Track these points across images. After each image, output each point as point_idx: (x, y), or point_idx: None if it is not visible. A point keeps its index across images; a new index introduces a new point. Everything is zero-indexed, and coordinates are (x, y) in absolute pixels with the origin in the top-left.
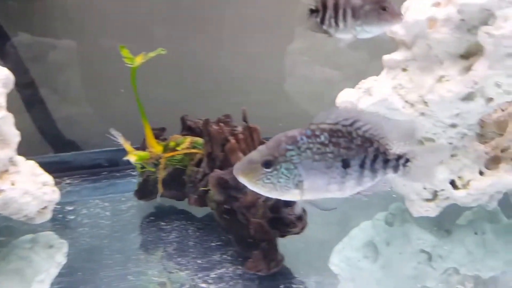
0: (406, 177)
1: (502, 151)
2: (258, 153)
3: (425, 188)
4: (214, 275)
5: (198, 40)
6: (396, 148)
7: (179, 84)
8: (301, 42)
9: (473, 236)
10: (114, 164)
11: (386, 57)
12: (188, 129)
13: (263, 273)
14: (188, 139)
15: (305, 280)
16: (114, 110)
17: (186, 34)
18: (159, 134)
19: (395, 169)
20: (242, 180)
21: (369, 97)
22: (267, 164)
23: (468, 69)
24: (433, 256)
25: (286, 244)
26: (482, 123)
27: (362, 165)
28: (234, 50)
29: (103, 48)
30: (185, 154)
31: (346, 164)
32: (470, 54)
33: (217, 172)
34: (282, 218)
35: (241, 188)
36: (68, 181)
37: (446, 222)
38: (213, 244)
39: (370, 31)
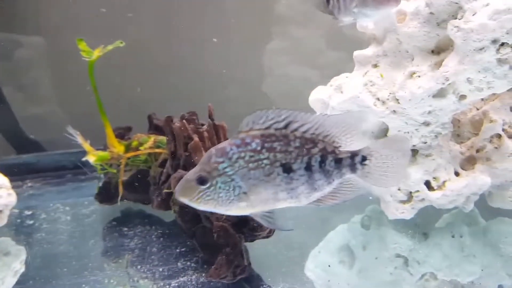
0: (369, 178)
1: (477, 151)
2: (192, 171)
3: (399, 189)
4: (176, 284)
5: (174, 36)
6: (346, 144)
7: (153, 82)
8: (280, 42)
9: (450, 239)
10: (80, 167)
11: (356, 53)
12: (155, 128)
13: (227, 280)
14: (152, 138)
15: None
16: (81, 109)
17: (159, 29)
18: (124, 133)
19: (352, 168)
20: (184, 201)
21: (340, 95)
22: (202, 181)
23: (439, 64)
24: (410, 260)
25: (257, 249)
26: (457, 123)
27: (308, 168)
28: (211, 49)
29: (71, 45)
30: (149, 154)
31: (287, 169)
32: (441, 49)
33: (180, 173)
34: (248, 221)
35: None
36: (30, 184)
37: (423, 224)
38: (177, 250)
39: (367, 14)
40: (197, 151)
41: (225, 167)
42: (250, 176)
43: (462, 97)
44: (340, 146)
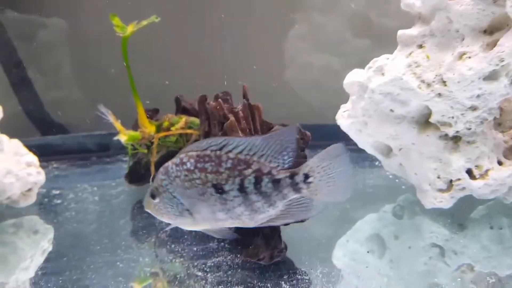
0: (319, 195)
1: None
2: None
3: (439, 178)
4: (211, 264)
5: (196, 24)
6: (285, 163)
7: (176, 69)
8: (302, 28)
9: (489, 230)
10: (104, 149)
11: (400, 32)
12: (183, 111)
13: (264, 262)
14: (184, 119)
15: (310, 271)
16: (105, 92)
17: (185, 16)
18: (152, 116)
19: (296, 189)
20: (150, 212)
21: (381, 77)
22: (153, 195)
23: (492, 45)
24: (446, 250)
25: (289, 233)
26: (500, 111)
27: (242, 189)
28: (233, 36)
29: (95, 28)
30: (180, 135)
31: (219, 190)
32: (496, 28)
33: None
34: None
35: None
36: (55, 165)
37: (459, 215)
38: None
39: None
40: (233, 131)
41: (166, 184)
42: (187, 194)
43: None
44: (277, 166)
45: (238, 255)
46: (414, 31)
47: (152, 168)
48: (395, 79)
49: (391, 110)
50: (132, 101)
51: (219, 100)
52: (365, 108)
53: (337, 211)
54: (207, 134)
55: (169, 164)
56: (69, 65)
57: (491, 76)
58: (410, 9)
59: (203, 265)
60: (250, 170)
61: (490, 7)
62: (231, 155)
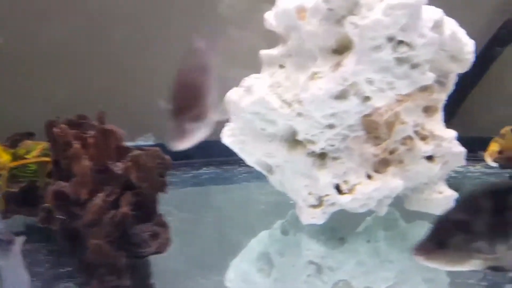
0: None
1: (390, 153)
2: None
3: (310, 194)
4: None
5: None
6: None
7: (67, 82)
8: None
9: (366, 244)
10: None
11: (263, 53)
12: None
13: None
14: (41, 145)
15: None
16: None
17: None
18: (21, 140)
19: None
20: None
21: (249, 96)
22: None
23: (340, 64)
24: (323, 267)
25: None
26: (375, 125)
27: None
28: (130, 46)
29: None
30: (40, 163)
31: None
32: (344, 47)
33: (58, 185)
34: (130, 237)
35: (83, 203)
36: None
37: (341, 229)
38: (63, 270)
39: None
40: (76, 159)
41: None
42: None
43: (366, 98)
44: None
45: None
46: (275, 51)
47: (2, 202)
48: (259, 99)
49: (262, 129)
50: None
51: (62, 125)
52: (240, 127)
53: (232, 229)
54: (56, 163)
55: None
56: None
57: (342, 95)
58: (272, 29)
59: None
60: None
61: (335, 27)
62: None
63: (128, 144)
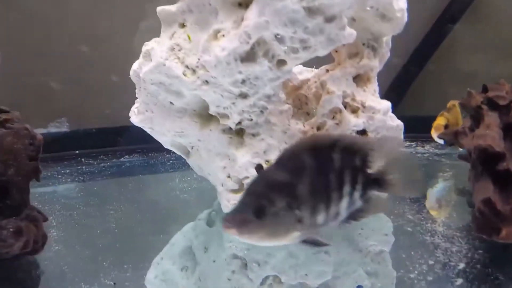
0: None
1: (318, 128)
2: None
3: (229, 177)
4: None
5: None
6: None
7: None
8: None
9: None
10: None
11: (159, 9)
12: None
13: None
14: None
15: None
16: None
17: None
18: None
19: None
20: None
21: (149, 63)
22: None
23: (243, 19)
24: (248, 262)
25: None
26: (305, 99)
27: None
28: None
29: None
30: None
31: None
32: (250, 0)
33: None
34: None
35: None
36: None
37: None
38: None
39: None
40: None
41: None
42: None
43: (281, 62)
44: None
45: None
46: (174, 7)
47: None
48: (159, 65)
49: (171, 103)
50: None
51: None
52: (145, 101)
53: (155, 223)
54: None
55: None
56: None
57: (249, 57)
58: None
59: None
60: None
61: None
62: None
63: (39, 131)
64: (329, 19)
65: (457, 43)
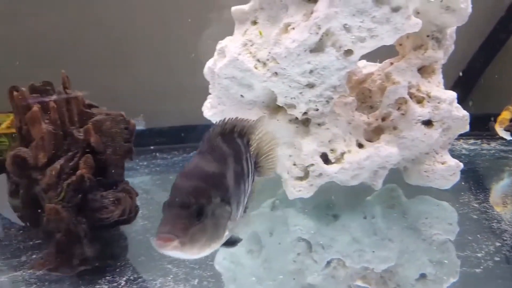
0: None
1: (383, 119)
2: None
3: (295, 165)
4: (4, 279)
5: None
6: None
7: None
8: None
9: (361, 220)
10: None
11: (234, 9)
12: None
13: (62, 272)
14: (11, 117)
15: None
16: None
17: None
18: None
19: None
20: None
21: (223, 59)
22: None
23: (313, 11)
24: (313, 245)
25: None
26: (369, 92)
27: None
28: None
29: None
30: (8, 134)
31: None
32: None
33: (18, 150)
34: (89, 202)
35: (41, 167)
36: None
37: (336, 205)
38: (30, 243)
39: None
40: (35, 122)
41: None
42: None
43: (348, 52)
44: None
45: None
46: (247, 6)
47: None
48: (232, 60)
49: (242, 96)
50: None
51: (22, 89)
52: (218, 96)
53: None
54: (19, 130)
55: None
56: None
57: (318, 48)
58: None
59: None
60: None
61: None
62: None
63: None
64: (396, 9)
65: None
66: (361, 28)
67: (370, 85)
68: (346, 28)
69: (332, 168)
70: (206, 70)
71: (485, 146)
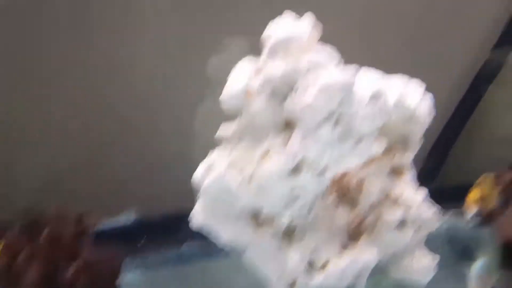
0: None
1: (361, 222)
2: None
3: (279, 279)
4: None
5: None
6: None
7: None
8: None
9: None
10: None
11: (222, 128)
12: None
13: None
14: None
15: None
16: None
17: None
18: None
19: None
20: None
21: (210, 174)
22: None
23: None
24: None
25: None
26: (346, 187)
27: None
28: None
29: None
30: None
31: None
32: (294, 124)
33: None
34: None
35: None
36: None
37: None
38: None
39: None
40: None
41: None
42: None
43: (322, 172)
44: None
45: None
46: (233, 126)
47: None
48: (219, 177)
49: (227, 209)
50: None
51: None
52: (205, 207)
53: None
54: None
55: None
56: None
57: (295, 171)
58: (227, 109)
59: None
60: None
61: (281, 104)
62: None
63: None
64: (359, 141)
65: (493, 105)
66: (332, 156)
67: (347, 180)
68: (318, 157)
69: (316, 280)
70: (194, 180)
71: (459, 224)
